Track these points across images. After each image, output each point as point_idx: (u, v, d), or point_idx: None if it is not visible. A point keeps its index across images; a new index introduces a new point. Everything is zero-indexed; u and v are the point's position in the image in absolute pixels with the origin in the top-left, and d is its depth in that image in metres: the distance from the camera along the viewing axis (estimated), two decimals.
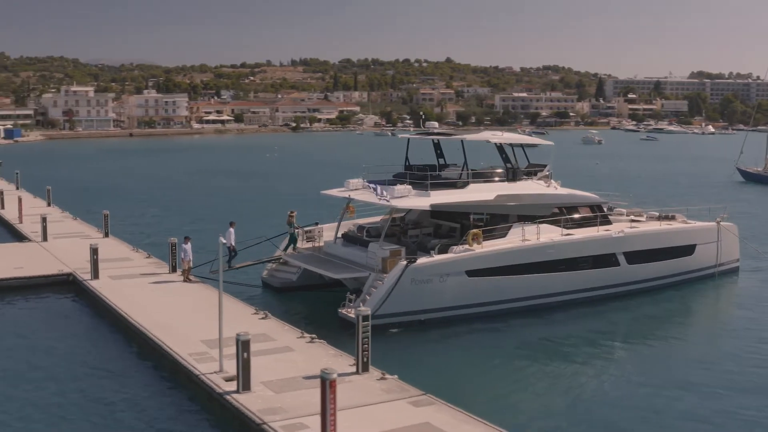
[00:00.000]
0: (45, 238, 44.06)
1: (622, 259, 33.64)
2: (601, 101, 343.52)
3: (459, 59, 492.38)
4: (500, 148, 34.72)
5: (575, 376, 25.08)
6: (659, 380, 24.52)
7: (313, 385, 20.98)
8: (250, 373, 20.89)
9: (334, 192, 34.73)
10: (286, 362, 23.29)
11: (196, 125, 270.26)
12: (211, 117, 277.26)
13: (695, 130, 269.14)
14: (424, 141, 36.36)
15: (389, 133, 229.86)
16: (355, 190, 33.51)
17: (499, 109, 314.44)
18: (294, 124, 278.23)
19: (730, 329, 31.49)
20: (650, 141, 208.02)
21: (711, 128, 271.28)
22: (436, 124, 37.98)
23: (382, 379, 21.78)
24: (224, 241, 23.95)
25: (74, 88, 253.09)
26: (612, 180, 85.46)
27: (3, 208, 58.11)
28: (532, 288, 31.25)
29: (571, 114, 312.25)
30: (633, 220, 37.74)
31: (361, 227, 34.88)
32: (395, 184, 32.21)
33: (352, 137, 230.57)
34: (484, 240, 31.03)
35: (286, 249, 35.47)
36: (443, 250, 30.36)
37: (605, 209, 38.84)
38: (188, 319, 27.96)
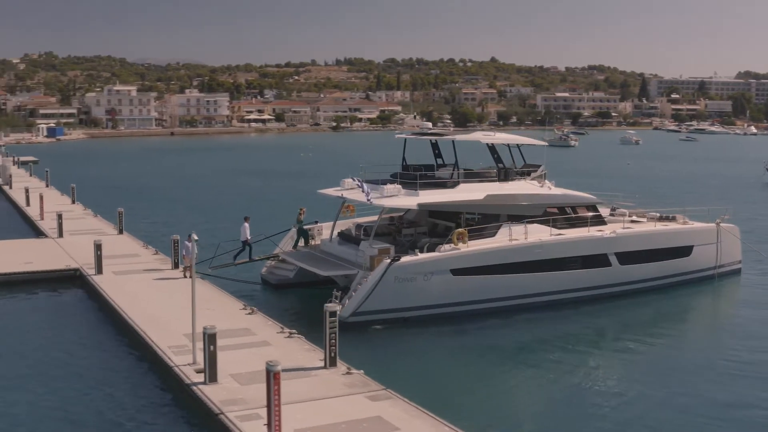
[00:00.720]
0: (61, 234, 45.29)
1: (614, 259, 33.73)
2: (644, 101, 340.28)
3: (504, 59, 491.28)
4: (492, 148, 35.05)
5: (550, 377, 25.11)
6: (635, 385, 24.35)
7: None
8: (217, 365, 21.58)
9: (330, 191, 35.32)
10: (260, 356, 23.83)
11: (237, 124, 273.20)
12: (252, 116, 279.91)
13: (737, 131, 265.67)
14: (440, 142, 36.82)
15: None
16: (350, 189, 34.04)
17: (540, 109, 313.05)
18: (335, 124, 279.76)
19: (719, 332, 31.45)
20: (689, 142, 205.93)
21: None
22: (429, 124, 38.50)
23: (347, 373, 22.32)
24: (196, 238, 24.71)
25: (117, 87, 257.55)
26: (637, 181, 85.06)
27: (28, 205, 59.64)
28: (518, 287, 31.50)
29: (613, 114, 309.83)
30: (633, 221, 37.76)
31: (359, 226, 35.42)
32: (386, 184, 32.75)
33: (391, 137, 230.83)
34: (473, 239, 31.43)
35: (296, 245, 36.16)
36: (432, 248, 30.84)
37: (611, 210, 39.14)
38: (177, 313, 28.62)
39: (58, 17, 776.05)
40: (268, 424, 17.76)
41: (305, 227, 36.91)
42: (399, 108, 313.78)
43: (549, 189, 35.13)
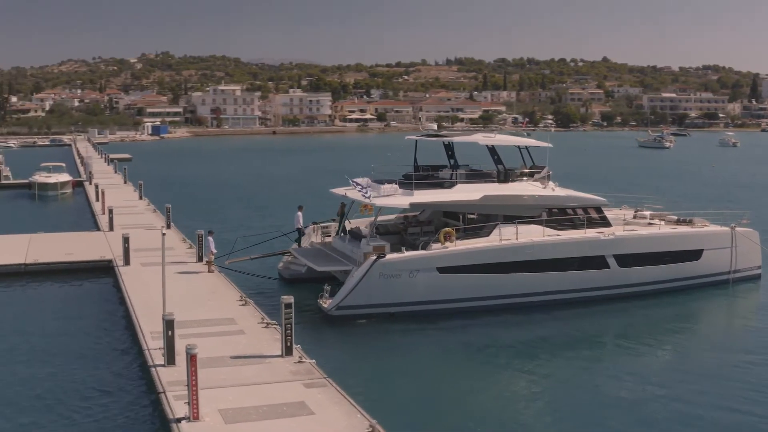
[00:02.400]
0: (111, 228, 48.14)
1: (612, 261, 33.86)
2: (754, 102, 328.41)
3: (616, 59, 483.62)
4: (492, 149, 35.71)
5: (510, 380, 25.36)
6: (594, 392, 24.37)
7: (233, 363, 23.45)
8: (175, 349, 23.25)
9: (339, 190, 36.64)
10: (230, 344, 25.44)
11: (339, 124, 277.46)
12: (354, 116, 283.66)
13: None
14: (467, 144, 37.71)
15: (525, 134, 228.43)
16: (351, 189, 35.22)
17: (646, 110, 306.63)
18: (436, 123, 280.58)
19: (720, 338, 30.89)
20: None
21: None
22: (435, 125, 39.13)
23: (299, 362, 23.62)
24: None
25: (222, 87, 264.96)
26: (704, 183, 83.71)
27: (97, 200, 63.12)
28: (509, 287, 32.05)
29: (720, 115, 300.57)
30: (650, 223, 37.78)
31: (372, 224, 36.66)
32: (383, 183, 33.89)
33: None
34: (469, 238, 32.32)
35: (299, 241, 37.75)
36: (426, 246, 31.85)
37: (635, 212, 39.23)
38: (179, 303, 30.37)
39: (175, 18, 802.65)
40: (188, 403, 19.30)
41: (323, 224, 38.46)
42: (503, 108, 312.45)
43: (552, 190, 35.45)
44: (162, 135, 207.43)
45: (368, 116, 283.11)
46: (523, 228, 32.82)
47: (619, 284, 34.26)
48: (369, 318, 30.43)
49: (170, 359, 23.28)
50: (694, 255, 36.17)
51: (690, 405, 22.95)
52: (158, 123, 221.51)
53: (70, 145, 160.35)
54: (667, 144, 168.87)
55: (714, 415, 22.17)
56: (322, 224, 38.59)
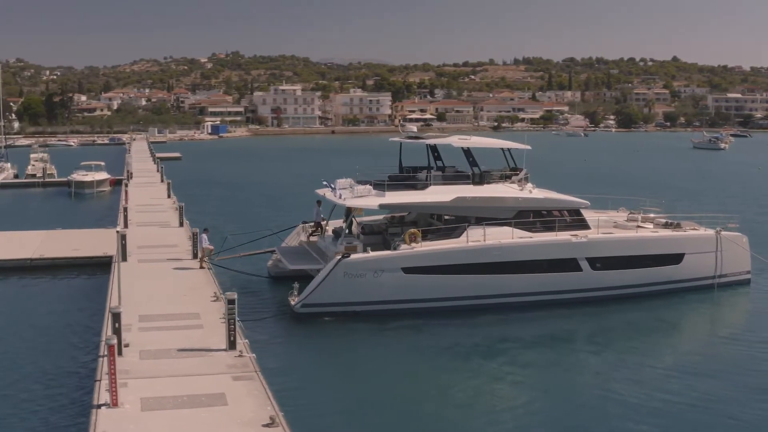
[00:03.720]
0: (126, 225, 49.97)
1: (585, 264, 34.13)
2: None
3: (686, 58, 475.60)
4: (467, 151, 36.29)
5: (456, 382, 25.74)
6: (562, 392, 24.55)
7: (177, 356, 24.66)
8: (122, 339, 24.57)
9: (321, 191, 37.61)
10: (184, 337, 26.56)
11: (399, 123, 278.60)
12: (414, 116, 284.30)
13: None
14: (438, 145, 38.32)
15: (582, 134, 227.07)
16: (327, 189, 35.88)
17: (711, 110, 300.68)
18: (495, 124, 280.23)
19: (689, 342, 31.00)
20: None
21: None
22: (414, 128, 39.65)
23: (239, 356, 24.72)
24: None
25: (283, 86, 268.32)
26: (743, 187, 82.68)
27: (126, 198, 65.34)
28: (475, 288, 32.64)
29: None
30: (639, 226, 37.91)
31: (360, 225, 37.65)
32: (363, 185, 34.79)
33: (547, 137, 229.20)
34: (440, 239, 33.06)
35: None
36: (397, 247, 32.66)
37: (628, 214, 39.44)
38: (156, 298, 31.83)
39: (246, 18, 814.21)
40: (109, 391, 20.58)
41: (310, 224, 39.55)
42: (566, 108, 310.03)
43: (529, 192, 35.72)
44: (221, 134, 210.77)
45: (428, 116, 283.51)
46: (493, 230, 33.35)
47: (593, 287, 34.47)
48: (334, 316, 31.31)
49: (117, 350, 24.53)
50: (675, 259, 36.16)
51: (651, 407, 23.27)
52: (218, 122, 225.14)
53: (126, 143, 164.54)
54: (722, 145, 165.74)
55: (678, 414, 22.74)
56: (310, 223, 39.60)
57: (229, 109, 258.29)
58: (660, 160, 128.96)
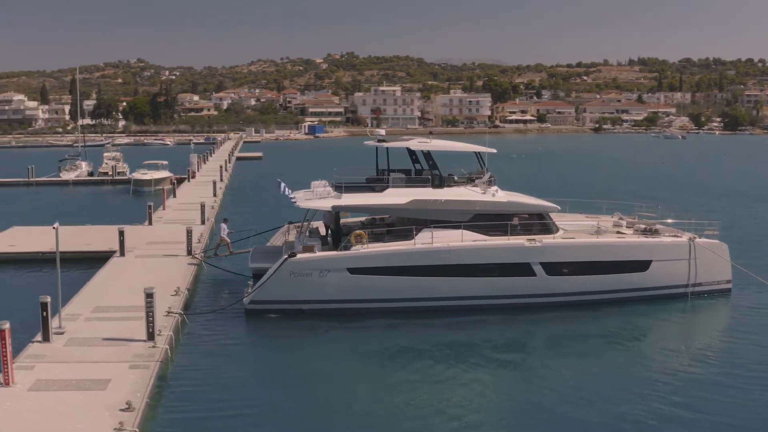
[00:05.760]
0: (150, 222, 52.95)
1: (539, 269, 34.24)
2: None
3: None
4: (427, 154, 37.08)
5: (375, 384, 26.10)
6: (477, 399, 24.62)
7: (98, 344, 26.81)
8: (49, 329, 26.85)
9: (297, 193, 39.06)
10: (119, 328, 28.49)
11: (499, 125, 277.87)
12: (514, 117, 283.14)
13: None
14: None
15: (679, 136, 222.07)
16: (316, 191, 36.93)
17: None
18: (596, 125, 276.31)
19: (642, 355, 29.56)
20: None
21: None
22: (382, 131, 40.40)
23: (153, 347, 26.63)
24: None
25: (383, 87, 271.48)
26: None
27: (174, 196, 68.73)
28: (422, 290, 33.25)
29: None
30: (618, 232, 37.84)
31: (305, 226, 38.94)
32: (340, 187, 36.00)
33: (643, 139, 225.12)
34: (392, 240, 34.16)
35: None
36: (348, 248, 33.87)
37: (617, 219, 39.53)
38: (120, 290, 34.23)
39: (362, 19, 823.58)
40: (2, 372, 22.81)
41: (296, 224, 41.18)
42: (672, 110, 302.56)
43: (492, 196, 35.92)
44: (317, 134, 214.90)
45: (528, 117, 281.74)
46: (442, 232, 34.00)
47: (547, 293, 34.40)
48: (280, 313, 32.77)
49: (45, 336, 26.88)
50: (640, 266, 35.65)
51: (593, 415, 23.34)
52: (315, 122, 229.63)
53: (217, 143, 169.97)
54: None
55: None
56: (297, 223, 41.17)
57: (329, 110, 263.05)
58: (752, 164, 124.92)
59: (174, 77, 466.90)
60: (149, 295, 26.95)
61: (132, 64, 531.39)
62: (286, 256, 32.87)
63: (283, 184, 36.50)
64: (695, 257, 36.53)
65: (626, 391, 25.25)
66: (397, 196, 35.09)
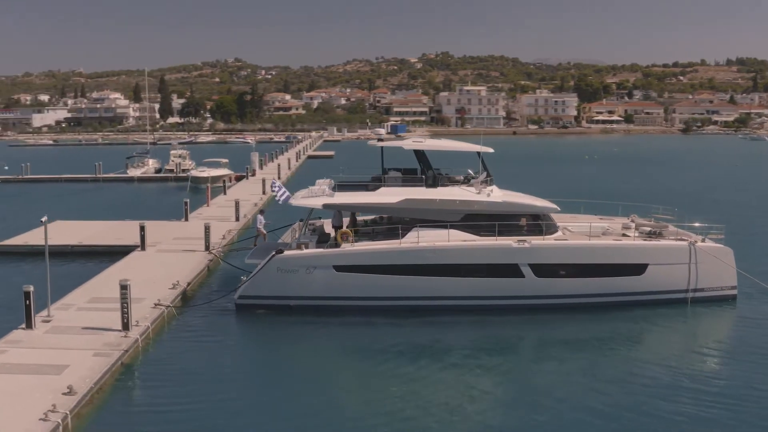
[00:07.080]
0: (186, 219, 54.93)
1: (527, 271, 34.19)
2: None
3: None
4: (420, 154, 37.51)
5: (350, 384, 26.51)
6: (458, 400, 24.62)
7: (77, 332, 28.35)
8: (32, 317, 28.56)
9: (300, 192, 40.00)
10: (103, 318, 29.86)
11: (585, 125, 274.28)
12: (601, 117, 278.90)
13: None
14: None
15: (765, 138, 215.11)
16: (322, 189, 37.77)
17: None
18: (684, 126, 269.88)
19: (626, 361, 28.78)
20: None
21: None
22: (383, 131, 40.76)
23: (124, 336, 28.06)
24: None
25: (468, 87, 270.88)
26: None
27: (224, 193, 70.91)
28: (407, 289, 33.71)
29: None
30: (624, 235, 37.50)
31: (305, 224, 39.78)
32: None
33: (727, 141, 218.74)
34: (381, 239, 34.86)
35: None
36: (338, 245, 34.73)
37: (630, 220, 39.30)
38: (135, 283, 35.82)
39: (459, 19, 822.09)
40: None
41: (310, 222, 42.21)
42: (765, 111, 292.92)
43: (487, 196, 35.89)
44: (399, 133, 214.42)
45: (615, 117, 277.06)
46: (429, 232, 34.38)
47: (536, 294, 34.31)
48: (268, 309, 33.83)
49: (28, 324, 28.62)
50: (636, 269, 35.22)
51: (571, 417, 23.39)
52: (398, 122, 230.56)
53: (294, 141, 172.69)
54: None
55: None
56: (310, 221, 42.16)
57: (414, 109, 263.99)
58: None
59: (270, 76, 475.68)
60: (124, 287, 28.40)
61: (229, 64, 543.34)
62: (273, 253, 33.92)
63: (276, 184, 37.54)
64: (696, 261, 35.75)
65: (606, 395, 25.00)
66: (388, 195, 35.65)
